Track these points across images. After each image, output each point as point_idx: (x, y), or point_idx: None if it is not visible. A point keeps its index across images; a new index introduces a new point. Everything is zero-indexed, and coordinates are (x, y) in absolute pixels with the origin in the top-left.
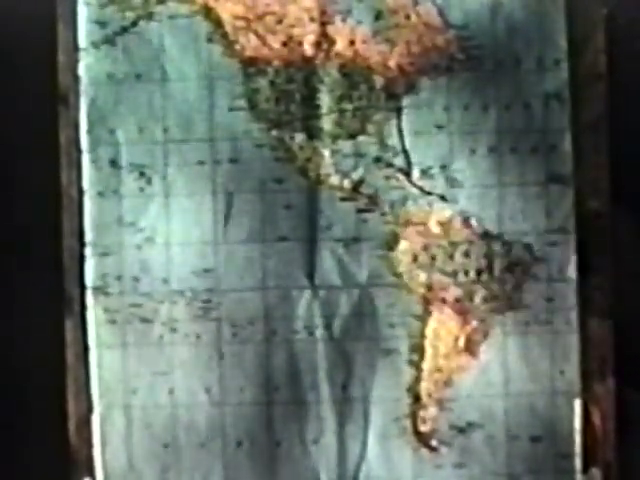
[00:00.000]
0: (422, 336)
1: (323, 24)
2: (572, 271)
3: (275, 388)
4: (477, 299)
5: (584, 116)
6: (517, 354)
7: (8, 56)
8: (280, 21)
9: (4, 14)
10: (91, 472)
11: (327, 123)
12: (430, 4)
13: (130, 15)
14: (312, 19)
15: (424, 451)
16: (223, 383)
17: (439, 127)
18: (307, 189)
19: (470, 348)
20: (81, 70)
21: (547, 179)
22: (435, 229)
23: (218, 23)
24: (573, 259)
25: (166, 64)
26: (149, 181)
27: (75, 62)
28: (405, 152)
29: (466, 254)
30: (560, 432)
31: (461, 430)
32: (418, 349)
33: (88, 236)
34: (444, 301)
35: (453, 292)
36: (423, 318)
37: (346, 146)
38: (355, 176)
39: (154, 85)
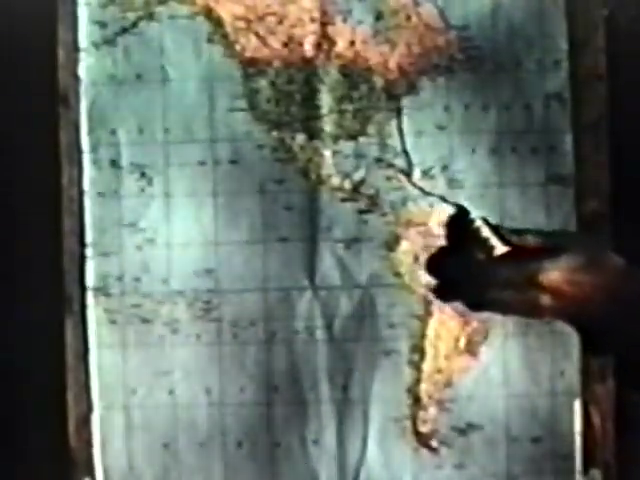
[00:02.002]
0: (423, 337)
1: (323, 25)
2: None
3: (275, 389)
4: None
5: (584, 116)
6: (517, 355)
7: (8, 56)
8: (280, 22)
9: (4, 14)
10: (91, 472)
11: (328, 124)
12: (431, 5)
13: (131, 15)
14: (312, 20)
15: (424, 452)
16: (223, 383)
17: (439, 127)
18: (308, 190)
19: (471, 349)
20: (81, 71)
21: (547, 179)
22: (436, 230)
23: (218, 24)
24: None
25: (166, 65)
26: (150, 182)
27: (75, 62)
28: (406, 153)
29: None
30: (560, 433)
31: (461, 431)
32: (419, 350)
33: (89, 236)
34: None
35: None
36: (424, 318)
37: (347, 147)
38: (356, 177)
39: (154, 86)
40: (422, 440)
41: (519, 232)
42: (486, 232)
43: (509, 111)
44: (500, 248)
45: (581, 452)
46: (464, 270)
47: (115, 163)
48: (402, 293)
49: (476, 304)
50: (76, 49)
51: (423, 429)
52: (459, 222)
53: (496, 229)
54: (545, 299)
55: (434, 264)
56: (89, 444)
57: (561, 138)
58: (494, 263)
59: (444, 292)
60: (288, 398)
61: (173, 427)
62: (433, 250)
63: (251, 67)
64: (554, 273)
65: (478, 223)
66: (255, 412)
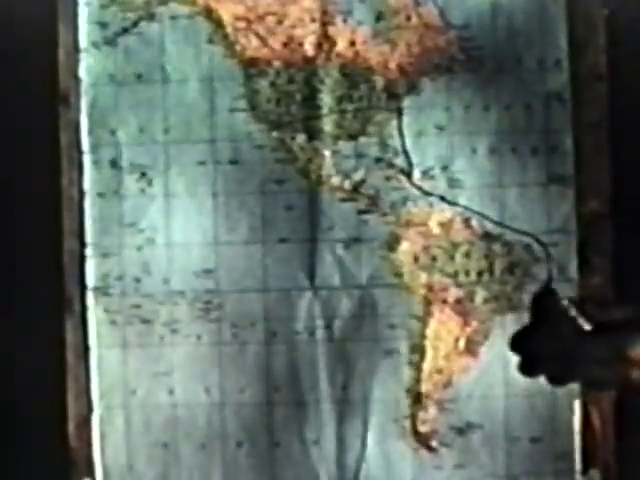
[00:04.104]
0: (422, 337)
1: (324, 25)
2: (573, 271)
3: (275, 389)
4: (478, 300)
5: (585, 116)
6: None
7: (8, 56)
8: (281, 22)
9: (4, 14)
10: (91, 472)
11: (328, 124)
12: (431, 5)
13: (131, 16)
14: (313, 20)
15: (424, 452)
16: (223, 384)
17: (440, 128)
18: (308, 190)
19: (471, 349)
20: (82, 71)
21: (548, 180)
22: (436, 230)
23: (219, 24)
24: (574, 259)
25: (167, 65)
26: (150, 182)
27: (76, 63)
28: (406, 153)
29: (467, 255)
30: (560, 433)
31: (461, 431)
32: (418, 350)
33: (89, 237)
34: (445, 302)
35: (454, 293)
36: (424, 319)
37: (347, 147)
38: (356, 177)
39: (155, 86)
40: (422, 440)
41: (605, 307)
42: (573, 312)
43: (509, 111)
44: (587, 326)
45: (581, 452)
46: (549, 347)
47: (115, 163)
48: (402, 293)
49: (562, 380)
50: (76, 49)
51: (423, 429)
52: (544, 299)
53: (582, 306)
54: (636, 373)
55: (518, 340)
56: (89, 444)
57: (562, 138)
58: (582, 341)
59: (529, 367)
60: (288, 398)
61: (173, 427)
62: (518, 328)
63: (251, 67)
64: None
65: (565, 303)
66: (255, 412)
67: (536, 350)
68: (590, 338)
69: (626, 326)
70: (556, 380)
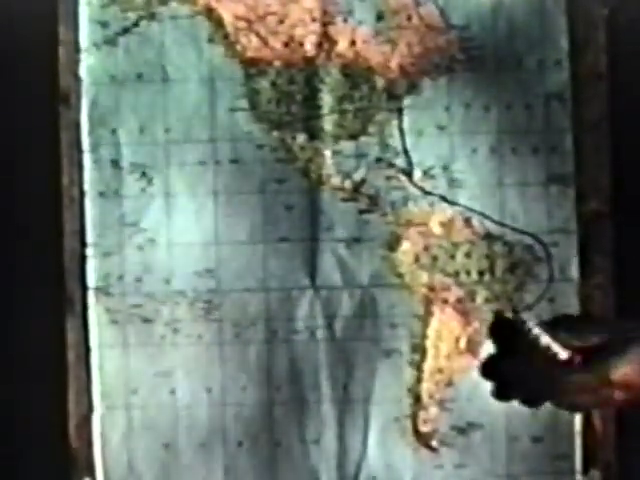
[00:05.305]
0: (423, 336)
1: (324, 24)
2: (574, 271)
3: (276, 388)
4: (479, 299)
5: (585, 116)
6: None
7: (8, 56)
8: (281, 22)
9: (4, 14)
10: (91, 472)
11: (328, 124)
12: (432, 5)
13: (132, 15)
14: (313, 19)
15: (424, 451)
16: (224, 383)
17: (440, 127)
18: (308, 190)
19: (472, 348)
20: (82, 70)
21: (548, 179)
22: (436, 229)
23: (219, 24)
24: (575, 259)
25: (167, 65)
26: (150, 181)
27: (76, 62)
28: (406, 152)
29: (467, 254)
30: (560, 433)
31: (461, 430)
32: (419, 349)
33: (89, 237)
34: (446, 301)
35: (455, 292)
36: (425, 318)
37: (347, 147)
38: (356, 177)
39: (155, 85)
40: (422, 440)
41: (579, 333)
42: (545, 340)
43: (510, 111)
44: (563, 354)
45: (581, 452)
46: (521, 372)
47: (116, 163)
48: (403, 293)
49: (536, 402)
50: (77, 49)
51: (424, 429)
52: (507, 327)
53: (555, 332)
54: (618, 394)
55: (488, 367)
56: (90, 444)
57: (562, 138)
58: (561, 371)
59: (502, 393)
60: (289, 398)
61: (174, 427)
62: (484, 356)
63: (252, 67)
64: (624, 368)
65: (536, 331)
66: (256, 412)
67: (508, 376)
68: (570, 369)
69: (604, 350)
70: (530, 403)
